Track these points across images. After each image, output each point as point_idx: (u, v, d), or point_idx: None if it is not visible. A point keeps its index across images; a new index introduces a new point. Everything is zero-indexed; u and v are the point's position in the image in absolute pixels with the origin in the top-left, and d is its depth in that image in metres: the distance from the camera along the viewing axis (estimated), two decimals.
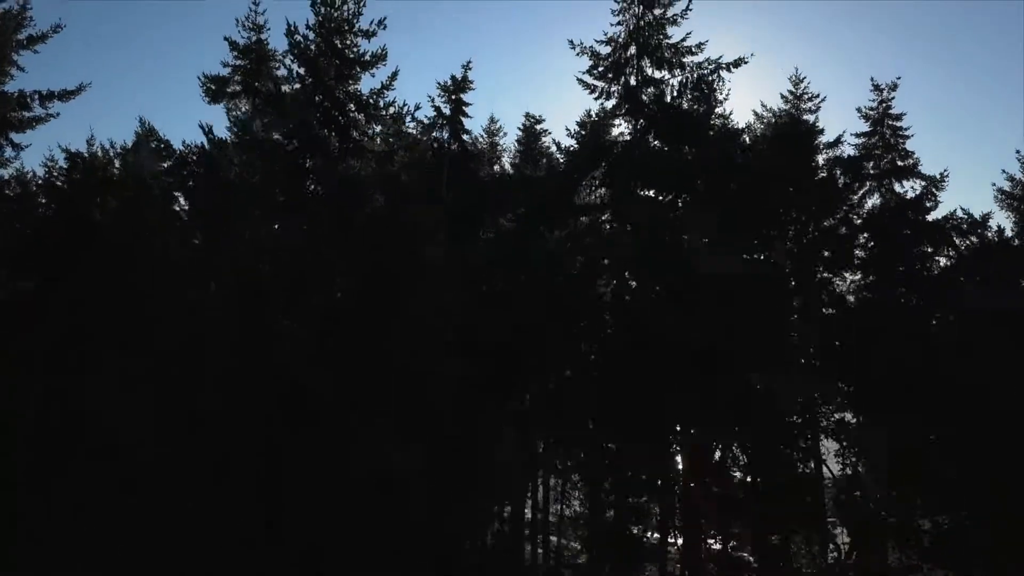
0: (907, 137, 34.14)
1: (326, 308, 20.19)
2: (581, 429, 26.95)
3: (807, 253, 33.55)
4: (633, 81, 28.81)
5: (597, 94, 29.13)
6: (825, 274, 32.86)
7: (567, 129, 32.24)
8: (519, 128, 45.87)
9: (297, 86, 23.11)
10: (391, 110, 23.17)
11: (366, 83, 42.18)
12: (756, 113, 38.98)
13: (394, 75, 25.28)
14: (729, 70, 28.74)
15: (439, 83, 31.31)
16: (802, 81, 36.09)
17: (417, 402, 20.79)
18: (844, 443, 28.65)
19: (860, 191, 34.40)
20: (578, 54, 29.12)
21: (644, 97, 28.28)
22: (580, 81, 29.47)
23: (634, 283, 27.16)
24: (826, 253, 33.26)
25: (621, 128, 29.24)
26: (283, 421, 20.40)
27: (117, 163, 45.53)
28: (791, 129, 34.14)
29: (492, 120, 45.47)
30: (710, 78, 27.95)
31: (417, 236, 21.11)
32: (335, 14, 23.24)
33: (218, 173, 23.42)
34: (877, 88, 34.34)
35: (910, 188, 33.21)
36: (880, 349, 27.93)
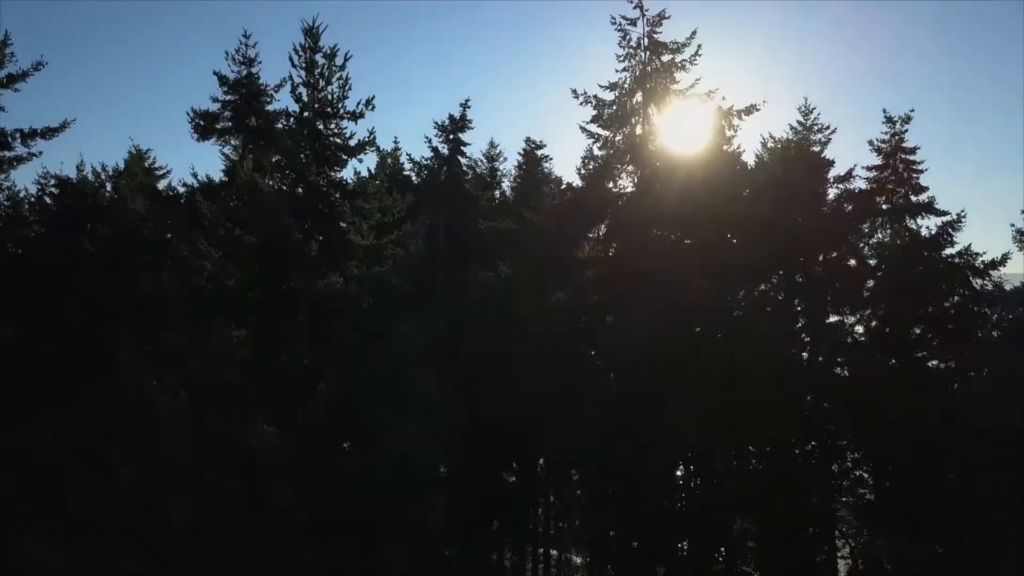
0: (920, 171, 32.92)
1: (301, 425, 19.06)
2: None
3: (815, 291, 32.58)
4: (639, 130, 27.64)
5: (601, 144, 27.96)
6: (833, 317, 31.74)
7: (576, 170, 30.93)
8: (519, 153, 45.05)
9: (277, 175, 21.84)
10: (380, 200, 21.76)
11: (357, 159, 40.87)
12: (763, 143, 38.08)
13: (383, 158, 24.27)
14: (740, 117, 27.60)
15: (436, 123, 30.29)
16: (812, 111, 34.94)
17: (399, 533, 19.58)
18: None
19: (871, 226, 33.36)
20: (581, 103, 28.01)
21: (651, 147, 27.06)
22: (584, 130, 28.33)
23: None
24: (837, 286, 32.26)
25: (626, 180, 28.12)
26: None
27: (109, 187, 44.94)
28: (800, 163, 33.12)
29: (492, 144, 44.50)
30: (721, 125, 26.68)
31: (405, 357, 19.98)
32: (320, 95, 21.81)
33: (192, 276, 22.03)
34: (890, 120, 33.04)
35: (925, 227, 31.93)
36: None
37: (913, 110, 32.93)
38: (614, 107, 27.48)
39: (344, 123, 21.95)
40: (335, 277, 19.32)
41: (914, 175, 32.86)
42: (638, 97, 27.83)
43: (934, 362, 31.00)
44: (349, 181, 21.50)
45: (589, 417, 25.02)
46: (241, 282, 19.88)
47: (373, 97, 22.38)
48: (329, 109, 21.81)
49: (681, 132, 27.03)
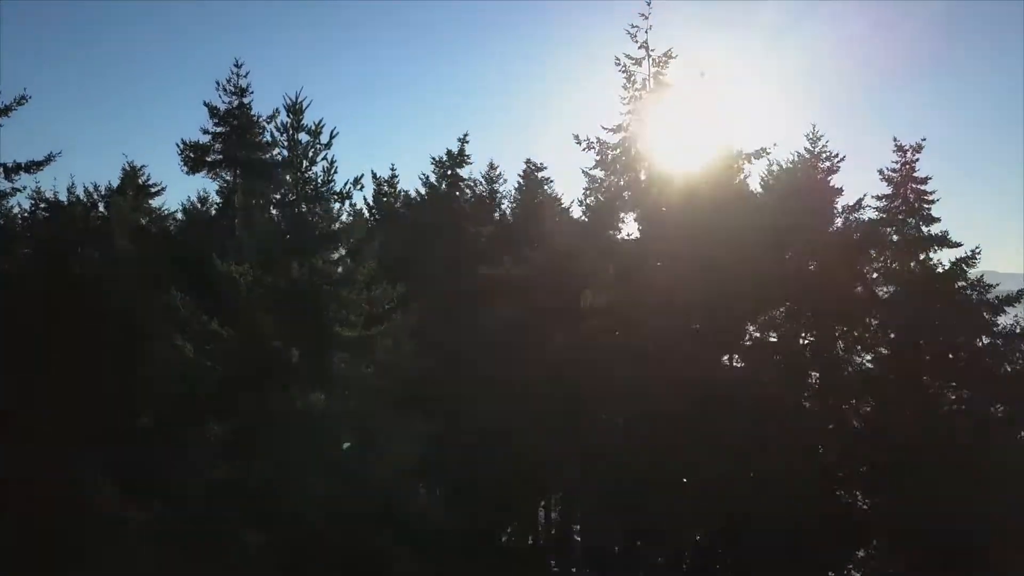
0: (932, 202, 31.89)
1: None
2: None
3: (824, 329, 31.70)
4: (643, 175, 26.62)
5: (604, 189, 26.92)
6: (843, 353, 30.83)
7: (578, 202, 29.85)
8: (519, 175, 44.02)
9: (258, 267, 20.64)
10: (370, 291, 20.45)
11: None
12: (768, 167, 37.07)
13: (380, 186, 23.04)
14: (750, 161, 26.61)
15: (434, 158, 29.27)
16: (819, 139, 34.00)
17: None
18: None
19: (880, 258, 32.46)
20: (584, 149, 26.98)
21: (656, 193, 26.04)
22: (586, 174, 27.32)
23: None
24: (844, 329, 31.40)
25: (630, 224, 27.18)
26: None
27: (101, 207, 44.08)
28: (808, 193, 32.22)
29: (492, 166, 43.43)
30: (730, 170, 25.66)
31: (396, 475, 18.90)
32: (303, 175, 20.51)
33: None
34: (900, 149, 32.04)
35: (937, 260, 30.97)
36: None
37: (924, 139, 32.01)
38: (618, 150, 26.49)
39: (332, 203, 20.56)
40: (317, 396, 18.16)
41: (925, 205, 31.92)
42: (643, 140, 26.81)
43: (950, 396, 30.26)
44: (335, 272, 20.00)
45: (593, 491, 24.04)
46: (215, 390, 18.73)
47: (361, 176, 21.08)
48: (311, 189, 20.40)
49: (688, 176, 25.91)
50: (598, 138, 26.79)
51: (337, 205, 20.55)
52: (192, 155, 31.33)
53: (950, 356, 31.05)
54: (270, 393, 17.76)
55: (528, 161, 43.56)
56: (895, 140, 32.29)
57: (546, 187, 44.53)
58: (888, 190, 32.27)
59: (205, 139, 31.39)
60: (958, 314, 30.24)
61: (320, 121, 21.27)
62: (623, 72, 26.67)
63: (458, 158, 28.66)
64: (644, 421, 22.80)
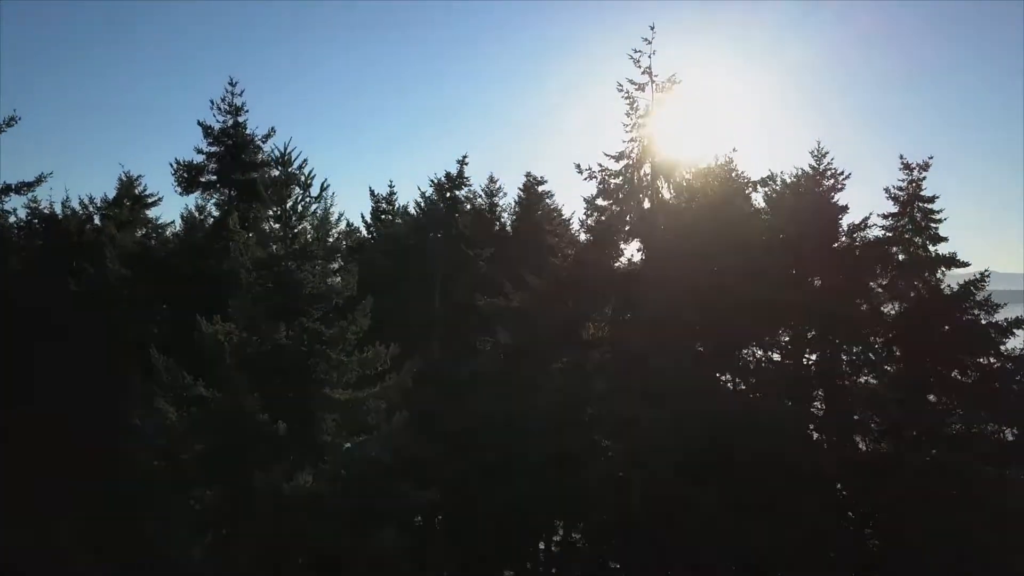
0: (939, 221, 31.34)
1: None
2: None
3: (830, 348, 31.21)
4: (647, 204, 26.02)
5: (607, 217, 26.30)
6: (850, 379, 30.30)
7: (580, 223, 29.18)
8: (519, 188, 43.49)
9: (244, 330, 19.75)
10: (361, 352, 19.62)
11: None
12: (771, 177, 36.59)
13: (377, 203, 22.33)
14: (756, 189, 26.05)
15: (432, 179, 28.68)
16: (825, 155, 33.41)
17: None
18: None
19: (885, 277, 31.94)
20: (586, 179, 26.37)
21: (661, 222, 25.43)
22: (588, 203, 26.70)
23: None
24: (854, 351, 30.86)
25: (633, 253, 26.57)
26: None
27: (96, 219, 43.46)
28: (812, 213, 31.67)
29: (491, 179, 42.90)
30: (736, 198, 25.08)
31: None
32: (293, 231, 19.73)
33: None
34: (907, 167, 31.48)
35: (946, 285, 30.42)
36: None
37: (931, 157, 31.40)
38: (620, 178, 25.89)
39: (319, 264, 19.72)
40: (304, 477, 17.45)
41: (932, 224, 31.40)
42: (646, 169, 26.22)
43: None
44: (325, 332, 19.11)
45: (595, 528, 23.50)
46: (199, 457, 18.03)
47: (356, 229, 20.50)
48: (297, 246, 19.56)
49: (693, 204, 25.28)
50: (600, 164, 26.19)
51: (329, 264, 19.65)
52: (186, 175, 30.76)
53: (958, 376, 30.64)
54: (256, 470, 17.02)
55: (528, 175, 43.09)
56: (901, 158, 31.79)
57: (547, 200, 44.24)
58: (894, 208, 31.97)
59: (199, 158, 30.82)
60: (966, 336, 29.80)
61: (311, 172, 20.65)
62: (626, 98, 26.09)
63: (457, 180, 28.06)
64: (645, 457, 22.24)
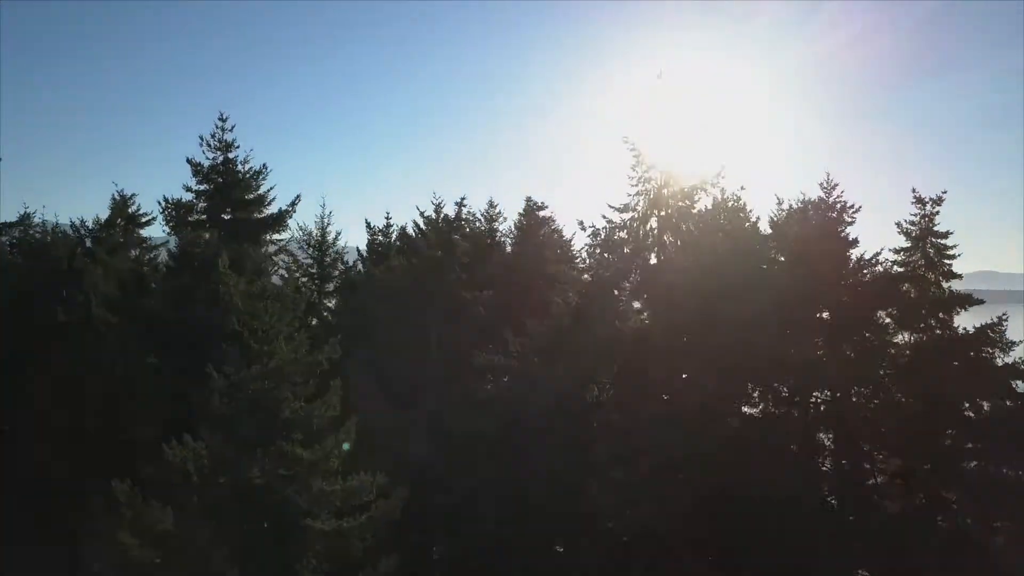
0: (953, 257, 30.28)
1: None
2: None
3: (841, 388, 30.20)
4: (654, 260, 24.97)
5: (612, 272, 25.21)
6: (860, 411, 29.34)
7: (582, 270, 28.13)
8: (519, 213, 42.35)
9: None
10: (345, 481, 18.04)
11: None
12: (778, 203, 35.63)
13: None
14: (768, 243, 24.95)
15: (428, 219, 27.62)
16: (834, 188, 32.29)
17: None
18: None
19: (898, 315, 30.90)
20: (589, 236, 25.32)
21: (667, 278, 24.37)
22: (591, 256, 25.72)
23: None
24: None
25: (639, 307, 25.47)
26: None
27: (88, 242, 42.51)
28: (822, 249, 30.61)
29: (491, 204, 41.89)
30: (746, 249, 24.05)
31: None
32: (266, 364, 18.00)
33: None
34: (920, 201, 30.43)
35: (962, 327, 29.43)
36: None
37: (945, 192, 30.34)
38: (624, 231, 24.85)
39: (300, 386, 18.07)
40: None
41: (946, 261, 30.37)
42: (652, 223, 25.16)
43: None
44: (304, 459, 17.46)
45: None
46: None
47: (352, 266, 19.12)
48: (275, 366, 17.73)
49: (700, 258, 24.20)
50: (604, 216, 25.11)
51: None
52: (174, 213, 29.79)
53: (972, 416, 29.80)
54: None
55: (528, 199, 42.04)
56: (914, 191, 30.69)
57: (550, 222, 43.13)
58: (906, 243, 30.92)
59: (188, 196, 29.87)
60: (980, 377, 28.90)
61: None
62: (631, 150, 25.01)
63: (455, 223, 27.06)
64: (651, 529, 21.31)
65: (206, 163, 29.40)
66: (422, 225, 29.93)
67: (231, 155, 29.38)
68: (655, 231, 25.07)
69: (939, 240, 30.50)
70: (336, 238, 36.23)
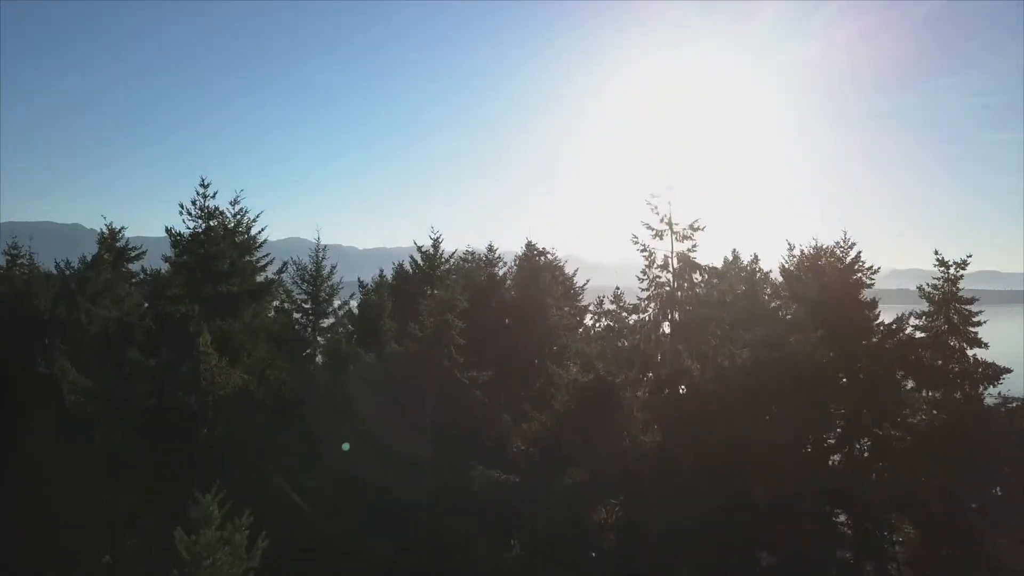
0: (978, 324, 28.55)
1: None
2: None
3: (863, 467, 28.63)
4: (664, 373, 23.22)
5: (621, 378, 23.36)
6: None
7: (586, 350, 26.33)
8: (520, 255, 40.80)
9: None
10: None
11: None
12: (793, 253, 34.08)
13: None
14: (782, 350, 23.19)
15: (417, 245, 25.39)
16: (851, 247, 30.61)
17: None
18: None
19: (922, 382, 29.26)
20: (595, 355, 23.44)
21: (680, 388, 22.71)
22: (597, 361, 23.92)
23: None
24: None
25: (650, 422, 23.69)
26: None
27: (73, 284, 40.89)
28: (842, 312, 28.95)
29: (491, 248, 40.32)
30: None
31: None
32: None
33: None
34: (943, 264, 28.75)
35: (988, 396, 27.84)
36: None
37: (970, 255, 28.62)
38: (637, 336, 23.10)
39: None
40: None
41: (971, 328, 28.67)
42: (665, 328, 23.43)
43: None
44: None
45: None
46: None
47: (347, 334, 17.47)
48: None
49: (717, 381, 22.39)
50: (614, 314, 23.32)
51: None
52: (154, 287, 28.15)
53: (998, 492, 28.35)
54: None
55: (528, 244, 40.57)
56: (936, 253, 29.10)
57: (552, 257, 41.50)
58: (929, 308, 29.23)
59: (166, 268, 28.17)
60: (1004, 449, 27.36)
61: None
62: (643, 252, 23.24)
63: (451, 303, 25.27)
64: None
65: (187, 231, 27.63)
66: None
67: (213, 223, 27.61)
68: (668, 338, 23.32)
69: (964, 306, 28.91)
70: (331, 272, 34.80)
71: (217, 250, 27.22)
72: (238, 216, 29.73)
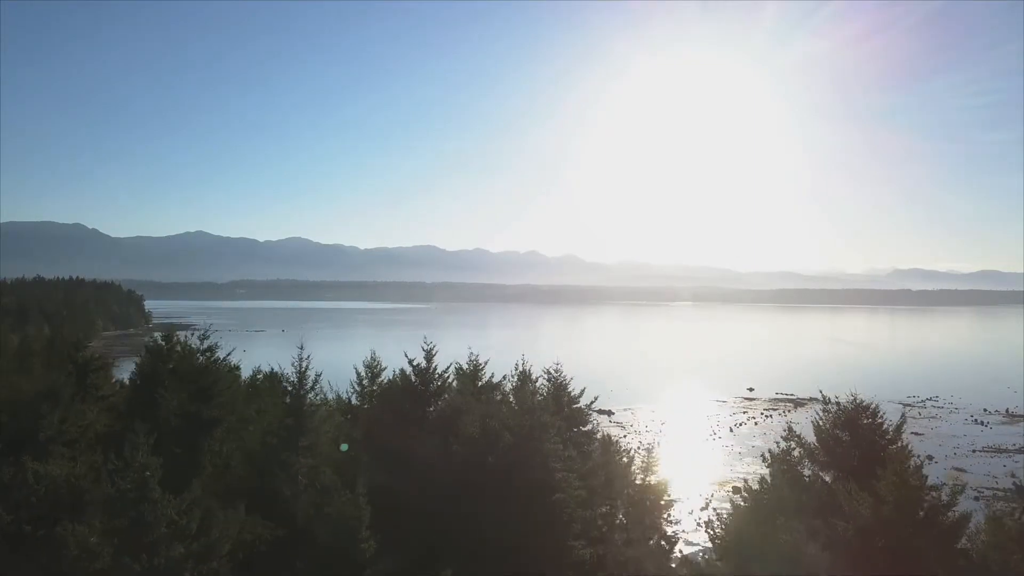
0: None
1: None
2: None
3: None
4: None
5: None
6: None
7: None
8: (511, 389, 38.54)
9: None
10: None
11: None
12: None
13: None
14: None
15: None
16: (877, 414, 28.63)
17: None
18: None
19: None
20: None
21: None
22: None
23: None
24: None
25: None
26: None
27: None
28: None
29: (476, 365, 37.94)
30: None
31: None
32: None
33: None
34: None
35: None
36: None
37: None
38: None
39: None
40: None
41: None
42: None
43: None
44: None
45: None
46: None
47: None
48: None
49: None
50: None
51: None
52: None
53: None
54: None
55: (522, 374, 38.33)
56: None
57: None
58: None
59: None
60: None
61: None
62: None
63: (450, 420, 23.02)
64: None
65: None
66: None
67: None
68: None
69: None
70: (315, 383, 31.85)
71: None
72: None
